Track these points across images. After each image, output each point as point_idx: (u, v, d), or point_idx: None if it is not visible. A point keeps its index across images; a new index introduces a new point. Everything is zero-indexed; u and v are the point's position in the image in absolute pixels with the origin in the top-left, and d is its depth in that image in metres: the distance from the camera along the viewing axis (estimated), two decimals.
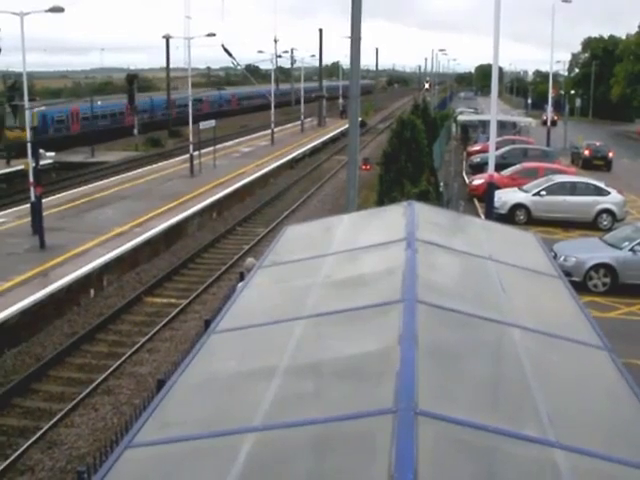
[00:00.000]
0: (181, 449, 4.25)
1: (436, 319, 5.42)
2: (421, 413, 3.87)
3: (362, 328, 5.53)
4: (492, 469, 3.95)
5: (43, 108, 48.14)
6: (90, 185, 33.66)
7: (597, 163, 42.26)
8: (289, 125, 65.81)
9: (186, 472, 4.11)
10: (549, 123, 53.09)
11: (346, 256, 7.44)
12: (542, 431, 4.23)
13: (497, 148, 26.11)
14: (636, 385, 5.12)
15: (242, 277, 10.94)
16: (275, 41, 64.41)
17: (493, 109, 22.79)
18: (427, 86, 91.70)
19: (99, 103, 55.34)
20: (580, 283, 16.94)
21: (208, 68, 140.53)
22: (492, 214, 21.81)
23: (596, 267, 17.83)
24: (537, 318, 6.21)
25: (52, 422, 12.47)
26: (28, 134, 23.58)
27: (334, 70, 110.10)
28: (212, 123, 38.06)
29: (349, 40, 16.09)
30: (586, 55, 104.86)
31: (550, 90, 55.24)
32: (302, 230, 9.93)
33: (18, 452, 11.57)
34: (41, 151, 23.47)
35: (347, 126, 19.25)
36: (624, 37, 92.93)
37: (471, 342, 5.48)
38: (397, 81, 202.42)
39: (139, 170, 38.61)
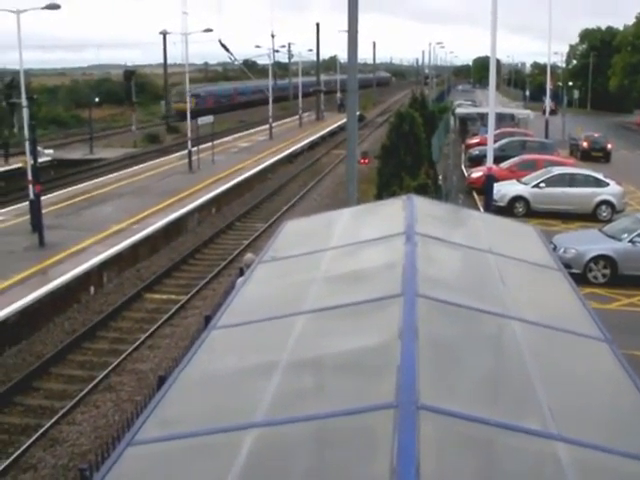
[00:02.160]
0: (183, 446, 4.25)
1: (436, 313, 5.41)
2: (422, 407, 3.86)
3: (362, 322, 5.52)
4: (494, 462, 3.95)
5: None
6: (88, 182, 33.58)
7: (596, 154, 42.16)
8: (287, 120, 65.72)
9: (188, 469, 4.11)
10: (547, 114, 53.01)
11: (346, 250, 7.43)
12: (543, 424, 4.22)
13: (495, 140, 26.11)
14: (637, 377, 5.11)
15: (242, 273, 10.92)
16: (272, 36, 64.39)
17: (491, 102, 22.80)
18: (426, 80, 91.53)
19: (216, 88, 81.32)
20: (580, 275, 16.92)
21: (205, 63, 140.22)
22: (491, 207, 21.83)
23: (596, 259, 17.82)
24: (537, 311, 6.21)
25: (54, 420, 12.48)
26: (27, 133, 23.53)
27: (332, 64, 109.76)
28: (210, 119, 37.99)
29: (346, 34, 16.06)
30: (584, 46, 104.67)
31: (548, 82, 55.18)
32: (302, 225, 9.92)
33: (20, 450, 11.58)
34: (39, 148, 23.41)
35: (345, 120, 19.22)
36: (622, 28, 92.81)
37: (471, 335, 5.48)
38: (394, 74, 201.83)
39: (137, 167, 38.52)
